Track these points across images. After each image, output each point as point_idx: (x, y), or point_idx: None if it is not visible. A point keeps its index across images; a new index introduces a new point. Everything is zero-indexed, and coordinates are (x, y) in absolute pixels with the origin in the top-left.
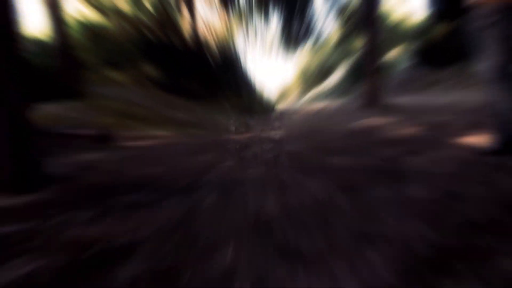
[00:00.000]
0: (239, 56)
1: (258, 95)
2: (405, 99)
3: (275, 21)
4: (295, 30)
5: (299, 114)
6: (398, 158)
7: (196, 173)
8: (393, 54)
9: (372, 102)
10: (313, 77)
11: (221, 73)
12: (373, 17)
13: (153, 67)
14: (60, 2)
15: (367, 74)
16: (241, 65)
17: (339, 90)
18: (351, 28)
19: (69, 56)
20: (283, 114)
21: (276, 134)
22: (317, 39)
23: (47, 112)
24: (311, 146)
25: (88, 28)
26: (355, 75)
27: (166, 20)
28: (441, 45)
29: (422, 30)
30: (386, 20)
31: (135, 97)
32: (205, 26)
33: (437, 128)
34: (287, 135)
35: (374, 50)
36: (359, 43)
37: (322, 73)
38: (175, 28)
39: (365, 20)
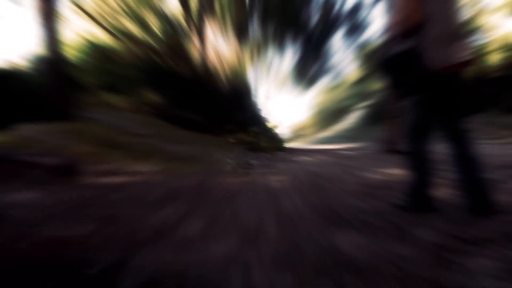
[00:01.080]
0: (250, 89)
1: (268, 132)
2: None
3: (290, 55)
4: (311, 66)
5: (310, 156)
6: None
7: (126, 248)
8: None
9: (392, 148)
10: (328, 117)
11: (229, 106)
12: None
13: (157, 94)
14: (56, 20)
15: (388, 118)
16: (251, 99)
17: (355, 132)
18: (370, 68)
19: (62, 76)
20: (293, 155)
21: (278, 180)
22: (334, 77)
23: (18, 134)
24: (314, 205)
25: (96, 49)
26: (372, 118)
27: (175, 47)
28: (462, 93)
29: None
30: None
31: (130, 125)
32: (216, 56)
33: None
34: (289, 183)
35: (396, 97)
36: (378, 84)
37: (338, 113)
38: (184, 55)
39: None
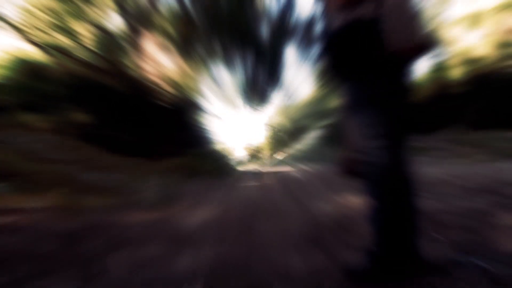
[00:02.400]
0: (195, 108)
1: (214, 155)
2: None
3: (241, 71)
4: (264, 83)
5: (259, 180)
6: None
7: None
8: None
9: (351, 170)
10: (284, 137)
11: (170, 126)
12: None
13: (85, 113)
14: None
15: (345, 135)
16: (196, 118)
17: (312, 153)
18: (328, 86)
19: None
20: (241, 180)
21: (200, 216)
22: (289, 94)
23: None
24: (227, 263)
25: (21, 65)
26: (330, 138)
27: (111, 61)
28: (423, 110)
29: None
30: None
31: (42, 148)
32: (157, 71)
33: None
34: (213, 221)
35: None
36: (335, 102)
37: (295, 133)
38: (120, 70)
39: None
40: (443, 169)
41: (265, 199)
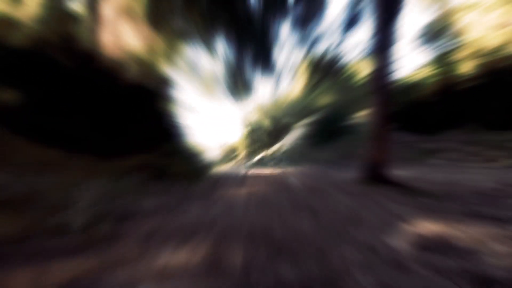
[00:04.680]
0: (165, 94)
1: (187, 152)
2: (411, 173)
3: (222, 55)
4: (248, 71)
5: (243, 187)
6: None
7: None
8: (361, 114)
9: (376, 175)
10: (266, 135)
11: (131, 114)
12: (386, 69)
13: (12, 91)
14: None
15: (373, 138)
16: (166, 107)
17: (299, 153)
18: (318, 81)
19: None
20: (219, 185)
21: (156, 267)
22: (275, 88)
23: None
24: None
25: None
26: (318, 137)
27: (58, 29)
28: (430, 108)
29: (404, 89)
30: (353, 75)
31: None
32: (118, 46)
33: None
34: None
35: (386, 108)
36: (325, 99)
37: (278, 131)
38: (70, 41)
39: (377, 73)
40: (472, 175)
41: (258, 223)
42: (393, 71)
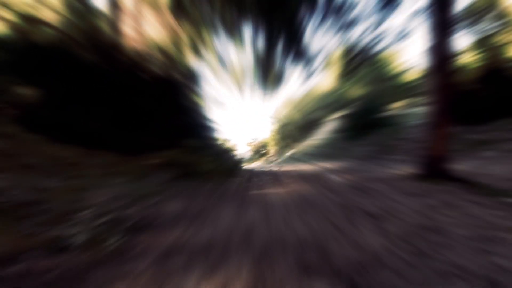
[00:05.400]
0: (191, 88)
1: (216, 149)
2: (466, 167)
3: (251, 45)
4: (278, 62)
5: (282, 186)
6: None
7: None
8: (397, 106)
9: (436, 170)
10: (296, 130)
11: (156, 109)
12: (448, 56)
13: (33, 88)
14: None
15: (433, 127)
16: (193, 101)
17: (331, 148)
18: (351, 71)
19: None
20: (253, 184)
21: None
22: (307, 79)
23: None
24: None
25: None
26: (351, 131)
27: (78, 23)
28: (476, 96)
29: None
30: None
31: None
32: (141, 37)
33: None
34: None
35: (447, 93)
36: (359, 90)
37: (308, 126)
38: (90, 33)
39: (436, 59)
40: None
41: (324, 244)
42: (455, 51)
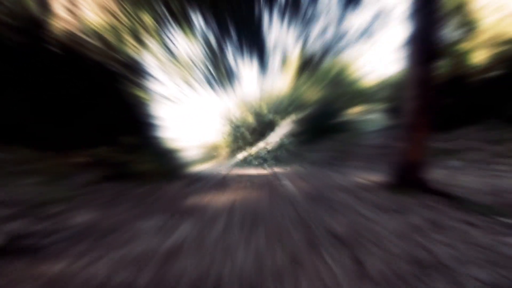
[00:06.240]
0: (131, 80)
1: (157, 147)
2: (436, 177)
3: (202, 37)
4: (231, 58)
5: (229, 191)
6: None
7: None
8: (355, 111)
9: (410, 180)
10: (251, 130)
11: (88, 101)
12: (432, 43)
13: None
14: None
15: (411, 131)
16: (132, 95)
17: (285, 152)
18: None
19: None
20: (196, 189)
21: None
22: (261, 79)
23: None
24: None
25: None
26: (307, 134)
27: None
28: (437, 104)
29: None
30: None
31: None
32: (77, 23)
33: None
34: None
35: (427, 90)
36: (315, 94)
37: (264, 126)
38: (13, 10)
39: (418, 46)
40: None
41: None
42: (439, 41)
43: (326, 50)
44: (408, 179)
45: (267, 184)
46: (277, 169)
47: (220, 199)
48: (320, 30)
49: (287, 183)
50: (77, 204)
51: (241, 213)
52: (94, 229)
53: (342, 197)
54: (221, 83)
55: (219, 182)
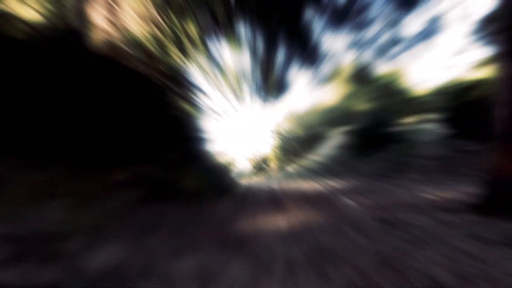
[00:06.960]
0: (177, 93)
1: (204, 163)
2: None
3: (250, 48)
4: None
5: (287, 213)
6: None
7: None
8: (408, 121)
9: (505, 198)
10: (301, 142)
11: (132, 117)
12: None
13: None
14: None
15: (503, 143)
16: (178, 108)
17: (336, 164)
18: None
19: None
20: (249, 210)
21: None
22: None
23: None
24: None
25: None
26: (357, 146)
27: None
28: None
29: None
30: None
31: None
32: (117, 33)
33: None
34: None
35: None
36: (365, 104)
37: (314, 138)
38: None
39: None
40: None
41: None
42: None
43: (379, 57)
44: (501, 199)
45: (324, 201)
46: (331, 183)
47: (274, 222)
48: (373, 36)
49: (346, 200)
50: (104, 235)
51: (302, 245)
52: (114, 276)
53: (420, 221)
54: (270, 94)
55: (271, 199)
